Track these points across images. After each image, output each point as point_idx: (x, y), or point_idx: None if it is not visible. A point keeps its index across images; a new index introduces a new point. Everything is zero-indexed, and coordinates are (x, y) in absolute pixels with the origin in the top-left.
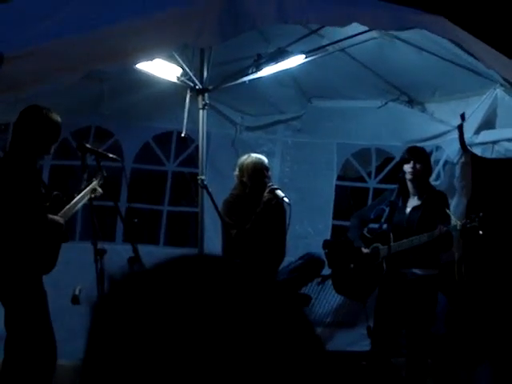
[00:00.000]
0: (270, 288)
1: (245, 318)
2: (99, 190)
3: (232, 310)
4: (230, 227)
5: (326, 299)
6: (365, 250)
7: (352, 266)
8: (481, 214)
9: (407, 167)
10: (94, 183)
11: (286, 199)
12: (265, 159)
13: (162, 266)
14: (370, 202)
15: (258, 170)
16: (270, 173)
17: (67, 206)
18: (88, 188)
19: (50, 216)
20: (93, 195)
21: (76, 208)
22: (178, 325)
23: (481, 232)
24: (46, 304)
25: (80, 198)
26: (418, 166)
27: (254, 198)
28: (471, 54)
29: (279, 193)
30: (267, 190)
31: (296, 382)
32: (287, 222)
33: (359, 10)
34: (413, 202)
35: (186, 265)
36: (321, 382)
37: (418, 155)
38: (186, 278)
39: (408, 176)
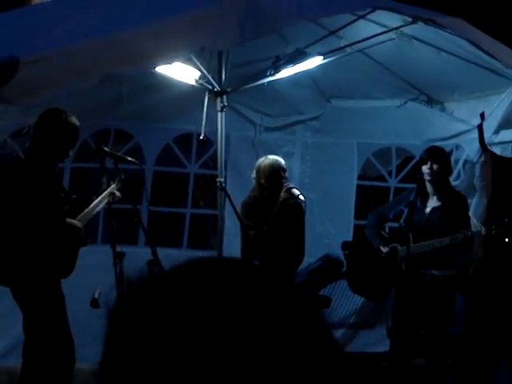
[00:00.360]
0: (287, 291)
1: (261, 322)
2: (117, 193)
3: (248, 314)
4: (249, 229)
5: (347, 300)
6: (384, 249)
7: (370, 266)
8: (506, 219)
9: (425, 168)
10: (112, 187)
11: (301, 197)
12: (281, 160)
13: (179, 268)
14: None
15: (275, 171)
16: (287, 174)
17: (85, 210)
18: (106, 192)
19: (69, 220)
20: (111, 199)
21: (94, 212)
22: (194, 328)
23: (507, 240)
24: (64, 308)
25: (98, 202)
26: (435, 166)
27: (272, 199)
28: (490, 54)
29: (295, 191)
30: (283, 190)
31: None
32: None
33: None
34: (432, 202)
35: (202, 268)
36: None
37: (436, 155)
38: (202, 281)
39: (426, 177)
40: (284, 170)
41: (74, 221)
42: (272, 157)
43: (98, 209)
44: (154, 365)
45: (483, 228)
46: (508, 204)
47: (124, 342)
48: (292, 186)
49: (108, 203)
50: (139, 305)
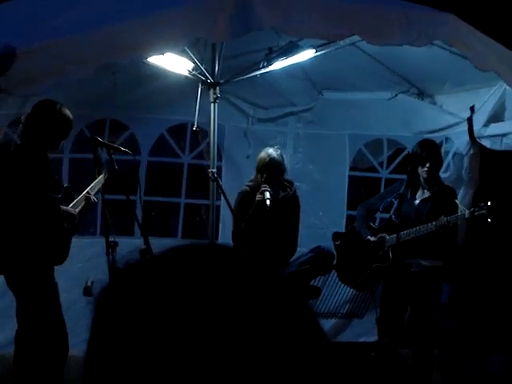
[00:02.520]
0: (275, 280)
1: (248, 309)
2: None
3: (235, 301)
4: (236, 222)
5: (338, 290)
6: (371, 239)
7: (358, 256)
8: (489, 202)
9: (423, 169)
10: (99, 178)
11: (267, 201)
12: (273, 155)
13: (166, 255)
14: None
15: (268, 167)
16: (280, 169)
17: (77, 199)
18: (94, 182)
19: (63, 207)
20: (101, 188)
21: (82, 204)
22: (180, 314)
23: (489, 220)
24: (57, 295)
25: (88, 191)
26: (428, 164)
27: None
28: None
29: (266, 194)
30: (259, 191)
31: (298, 374)
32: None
33: (360, 24)
34: (422, 194)
35: (189, 254)
36: (324, 374)
37: (434, 155)
38: (189, 267)
39: (423, 175)
40: (274, 165)
41: (68, 208)
42: (266, 150)
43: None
44: (140, 351)
45: (467, 211)
46: (493, 194)
47: (109, 330)
48: (266, 188)
49: (101, 193)
50: (125, 290)
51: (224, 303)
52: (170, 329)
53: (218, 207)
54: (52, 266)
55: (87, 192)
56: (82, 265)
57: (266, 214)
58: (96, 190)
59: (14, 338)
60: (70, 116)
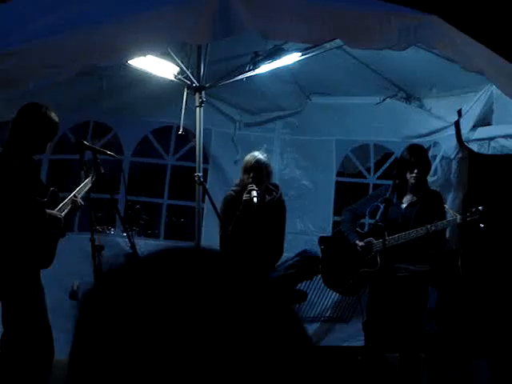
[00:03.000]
0: (260, 284)
1: (232, 313)
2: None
3: (219, 304)
4: (224, 226)
5: (324, 294)
6: (359, 243)
7: (345, 260)
8: (480, 207)
9: (411, 174)
10: (87, 181)
11: (254, 199)
12: (259, 157)
13: (151, 258)
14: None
15: (253, 169)
16: (267, 171)
17: (63, 202)
18: (82, 184)
19: (49, 211)
20: (87, 191)
21: (69, 207)
22: (163, 317)
23: (482, 225)
24: (43, 299)
25: (75, 194)
26: (416, 170)
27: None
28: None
29: (253, 193)
30: (246, 191)
31: (283, 379)
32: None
33: (340, 27)
34: (409, 198)
35: (174, 257)
36: (309, 378)
37: (423, 160)
38: (174, 271)
39: (412, 180)
40: (260, 168)
41: (54, 211)
42: (252, 153)
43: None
44: (123, 354)
45: (458, 216)
46: (482, 198)
47: (92, 332)
48: (253, 187)
49: (88, 195)
50: (109, 294)
51: (208, 307)
52: (152, 332)
53: (202, 210)
54: (38, 270)
55: (74, 195)
56: (61, 262)
57: (253, 212)
58: (83, 192)
59: None
60: (56, 119)
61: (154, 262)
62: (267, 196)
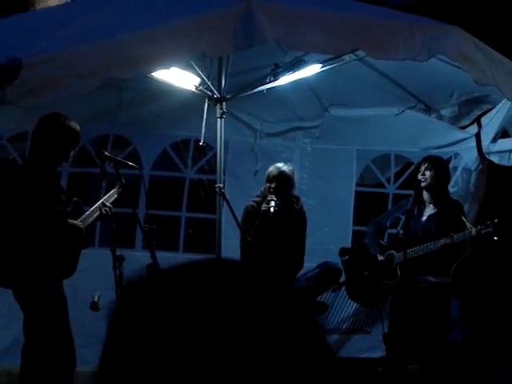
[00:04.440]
0: (285, 295)
1: (258, 324)
2: (111, 199)
3: (246, 316)
4: (244, 236)
5: (342, 306)
6: (380, 257)
7: (366, 273)
8: (496, 220)
9: (420, 175)
10: (113, 191)
11: (271, 209)
12: (283, 168)
13: (179, 269)
14: (389, 207)
15: (279, 182)
16: (290, 183)
17: (86, 213)
18: (106, 195)
19: (70, 221)
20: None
21: (95, 215)
22: (193, 330)
23: (495, 238)
24: (65, 310)
25: (99, 205)
26: (429, 173)
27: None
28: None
29: (271, 203)
30: (265, 202)
31: None
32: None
33: (362, 38)
34: (429, 210)
35: (202, 268)
36: None
37: (431, 163)
38: (202, 281)
39: (422, 184)
40: (288, 180)
41: (75, 222)
42: (280, 165)
43: (98, 212)
44: (152, 366)
45: (473, 229)
46: (498, 209)
47: (123, 343)
48: (272, 197)
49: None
50: (139, 305)
51: (238, 320)
52: (183, 344)
53: (221, 221)
54: (60, 280)
55: (102, 203)
56: (82, 276)
57: (270, 223)
58: (110, 201)
59: (7, 349)
60: (77, 127)
61: (185, 273)
62: (288, 207)
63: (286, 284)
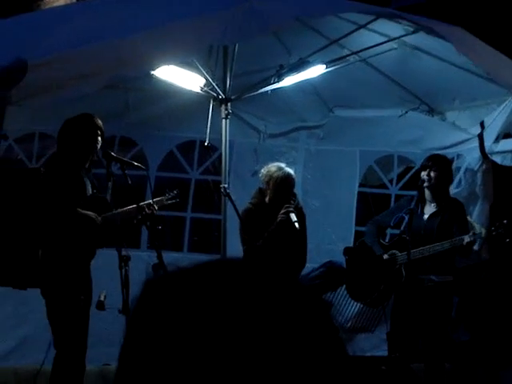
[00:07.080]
0: (297, 292)
1: (272, 322)
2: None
3: (260, 314)
4: (243, 241)
5: (346, 305)
6: (384, 256)
7: (370, 271)
8: (505, 221)
9: (423, 174)
10: (161, 198)
11: (296, 224)
12: (289, 171)
13: (196, 269)
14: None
15: (286, 185)
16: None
17: (118, 210)
18: (159, 198)
19: (84, 211)
20: (147, 210)
21: (129, 216)
22: (210, 329)
23: (508, 240)
24: (87, 305)
25: (132, 208)
26: (432, 173)
27: (273, 207)
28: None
29: (292, 216)
30: (283, 211)
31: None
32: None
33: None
34: (430, 209)
35: (216, 268)
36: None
37: (435, 162)
38: (218, 280)
39: (425, 183)
40: (293, 186)
41: (89, 212)
42: (287, 169)
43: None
44: (171, 363)
45: (483, 230)
46: (509, 209)
47: (143, 341)
48: (291, 209)
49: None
50: (160, 304)
51: (251, 318)
52: (200, 343)
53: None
54: (86, 264)
55: (152, 206)
56: None
57: (294, 234)
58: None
59: (13, 350)
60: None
61: (203, 271)
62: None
63: (297, 282)
